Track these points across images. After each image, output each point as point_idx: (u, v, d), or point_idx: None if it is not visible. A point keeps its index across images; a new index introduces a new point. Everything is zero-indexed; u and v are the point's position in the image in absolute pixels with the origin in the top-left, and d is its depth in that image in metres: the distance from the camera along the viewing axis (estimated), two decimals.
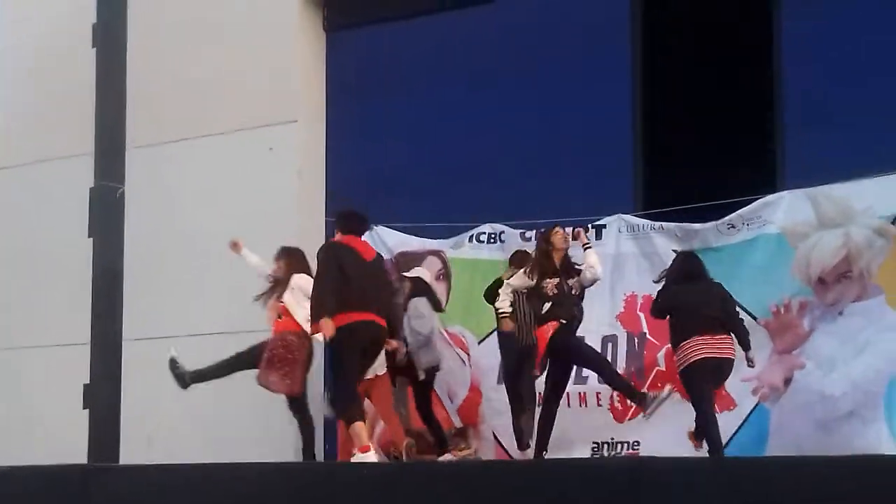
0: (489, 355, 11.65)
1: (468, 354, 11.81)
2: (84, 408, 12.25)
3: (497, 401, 11.62)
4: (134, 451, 12.21)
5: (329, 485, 9.44)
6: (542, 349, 10.27)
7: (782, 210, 10.76)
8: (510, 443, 11.32)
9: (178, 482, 9.98)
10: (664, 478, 8.28)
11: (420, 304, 11.08)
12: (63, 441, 12.75)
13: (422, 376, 10.99)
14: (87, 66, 12.71)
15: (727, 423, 10.60)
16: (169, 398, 13.24)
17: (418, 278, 11.24)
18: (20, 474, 10.79)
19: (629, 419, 10.72)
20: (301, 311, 10.52)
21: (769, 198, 10.91)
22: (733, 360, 9.93)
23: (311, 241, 13.33)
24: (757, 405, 10.63)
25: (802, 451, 10.08)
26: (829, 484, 7.80)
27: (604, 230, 11.41)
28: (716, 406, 10.53)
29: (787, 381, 10.48)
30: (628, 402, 10.58)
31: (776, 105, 11.60)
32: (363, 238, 10.38)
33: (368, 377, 10.58)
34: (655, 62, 12.18)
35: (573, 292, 10.37)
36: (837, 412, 10.21)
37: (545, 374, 10.47)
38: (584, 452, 10.79)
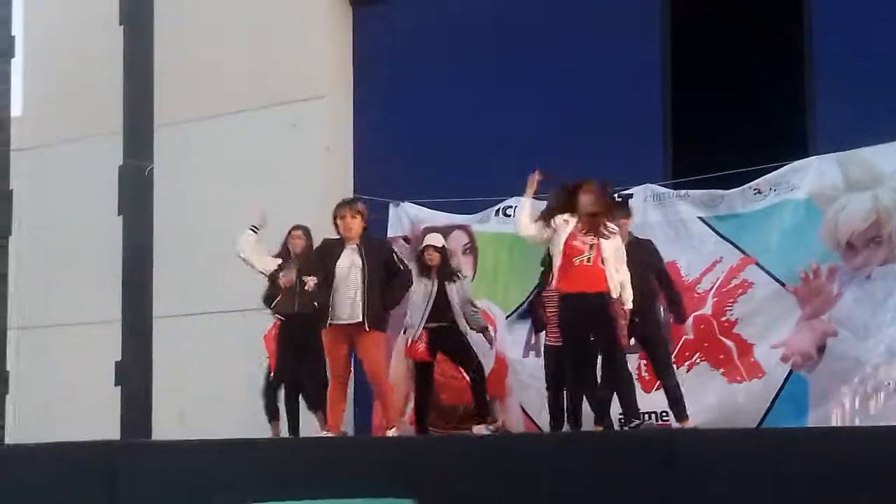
0: (516, 328, 11.62)
1: (494, 329, 11.77)
2: (116, 385, 12.28)
3: (523, 373, 11.60)
4: (166, 427, 12.26)
5: (359, 458, 9.47)
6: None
7: (811, 175, 10.65)
8: (538, 415, 11.31)
9: (209, 458, 10.01)
10: (699, 449, 8.26)
11: (466, 282, 11.11)
12: (96, 418, 12.79)
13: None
14: (114, 45, 12.70)
15: (758, 392, 10.54)
16: (200, 374, 13.33)
17: (443, 247, 11.16)
18: (52, 450, 10.86)
19: (657, 389, 10.66)
20: None
21: (797, 163, 10.79)
22: None
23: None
24: (791, 374, 10.53)
25: (843, 424, 10.00)
26: (866, 455, 7.75)
27: (630, 200, 11.32)
28: (743, 374, 10.47)
29: (821, 349, 10.38)
30: None
31: (806, 73, 11.50)
32: None
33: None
34: (685, 31, 12.09)
35: None
36: (876, 383, 10.06)
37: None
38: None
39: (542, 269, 10.66)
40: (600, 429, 9.64)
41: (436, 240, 11.15)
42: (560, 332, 9.90)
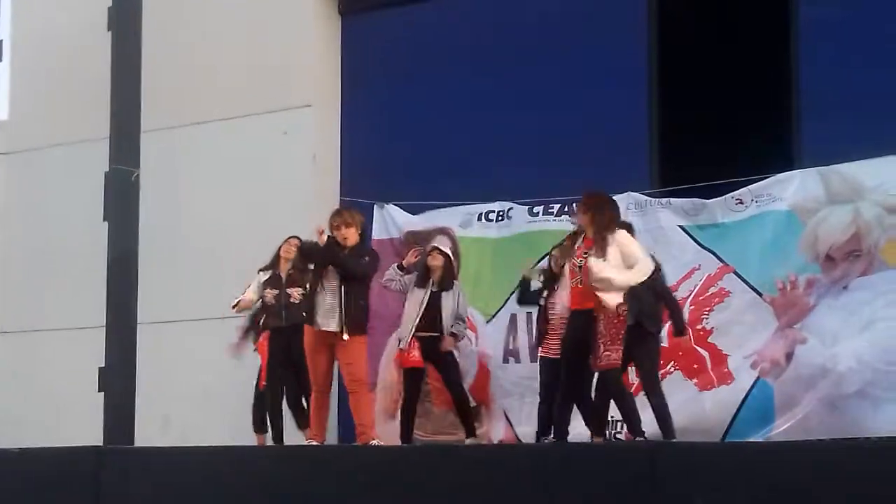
0: (496, 334, 11.65)
1: (476, 334, 11.79)
2: (99, 391, 12.27)
3: (504, 379, 11.63)
4: (149, 433, 12.24)
5: (345, 467, 9.47)
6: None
7: (793, 187, 10.69)
8: (517, 422, 11.33)
9: (192, 464, 10.01)
10: (682, 462, 8.28)
11: (462, 297, 11.09)
12: (79, 424, 12.78)
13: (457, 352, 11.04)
14: (102, 50, 12.71)
15: (726, 398, 10.55)
16: (183, 381, 13.31)
17: (448, 255, 11.10)
18: (36, 456, 10.84)
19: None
20: None
21: (780, 175, 10.84)
22: None
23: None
24: (757, 380, 10.51)
25: (809, 431, 10.00)
26: (846, 467, 7.78)
27: None
28: (715, 380, 10.51)
29: (789, 356, 10.38)
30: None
31: (792, 85, 11.54)
32: None
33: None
34: (672, 39, 12.13)
35: None
36: (844, 390, 10.08)
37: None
38: (585, 430, 10.68)
39: (542, 282, 10.61)
40: (601, 440, 9.76)
41: (443, 242, 11.18)
42: (560, 346, 10.01)
